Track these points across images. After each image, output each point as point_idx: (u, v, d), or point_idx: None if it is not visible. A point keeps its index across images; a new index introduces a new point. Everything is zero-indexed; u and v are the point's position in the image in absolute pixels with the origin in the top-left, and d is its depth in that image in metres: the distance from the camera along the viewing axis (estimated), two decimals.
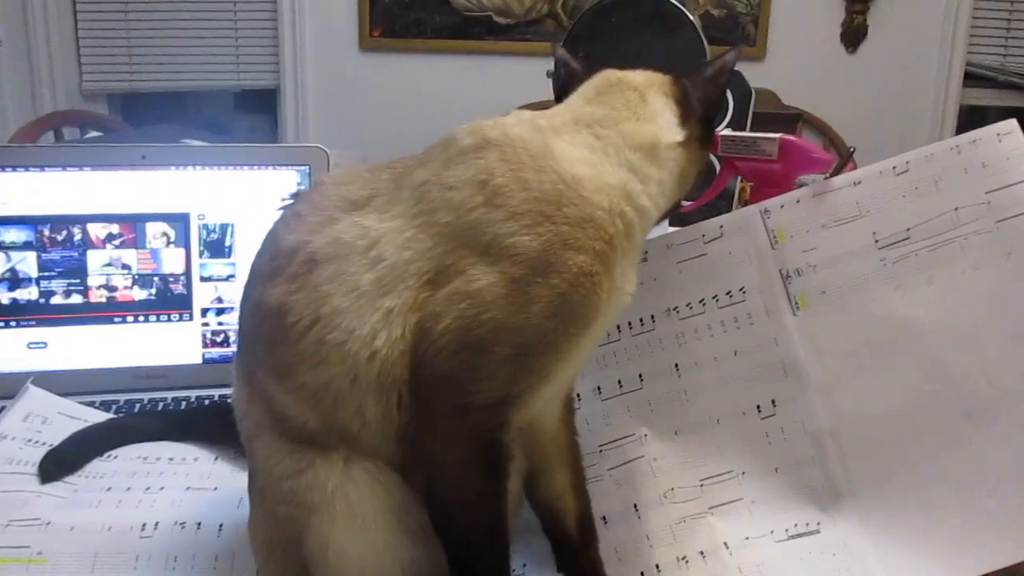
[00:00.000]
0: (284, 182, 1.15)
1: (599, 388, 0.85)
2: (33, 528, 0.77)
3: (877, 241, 0.82)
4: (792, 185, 0.87)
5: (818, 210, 0.83)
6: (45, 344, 1.11)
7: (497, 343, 0.58)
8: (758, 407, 0.82)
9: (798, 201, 0.84)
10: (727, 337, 0.83)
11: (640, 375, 0.85)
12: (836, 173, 0.85)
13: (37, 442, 0.90)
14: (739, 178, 1.36)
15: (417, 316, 0.59)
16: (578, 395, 0.83)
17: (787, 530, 0.78)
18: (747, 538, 0.78)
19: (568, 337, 0.60)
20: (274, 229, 0.67)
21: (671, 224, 1.04)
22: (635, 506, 0.80)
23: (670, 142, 0.68)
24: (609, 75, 0.71)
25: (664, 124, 0.68)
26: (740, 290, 0.84)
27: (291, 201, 0.69)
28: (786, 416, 0.81)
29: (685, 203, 0.92)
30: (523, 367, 0.59)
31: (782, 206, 0.84)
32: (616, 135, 0.65)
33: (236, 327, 0.69)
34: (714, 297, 0.84)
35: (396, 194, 0.63)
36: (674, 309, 0.85)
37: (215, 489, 0.85)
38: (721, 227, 0.85)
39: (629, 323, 0.85)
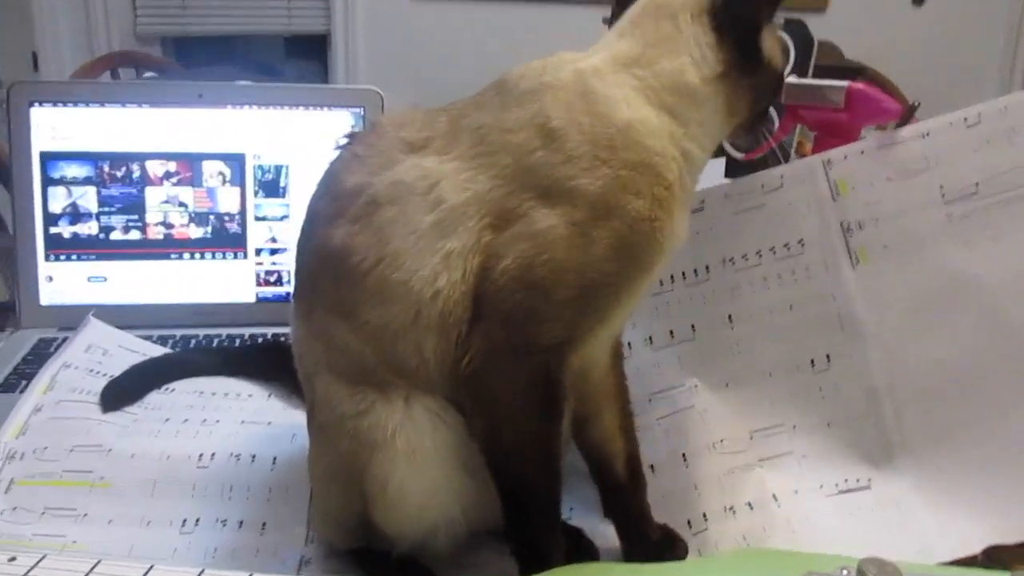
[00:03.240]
0: (338, 124, 1.15)
1: (651, 338, 0.85)
2: (96, 454, 0.80)
3: (944, 195, 0.80)
4: (857, 136, 0.85)
5: (883, 162, 0.81)
6: (105, 279, 1.13)
7: (559, 284, 0.58)
8: (812, 361, 0.81)
9: (862, 152, 0.82)
10: (783, 290, 0.82)
11: (693, 326, 0.84)
12: (902, 125, 0.82)
13: (98, 372, 0.92)
14: (795, 133, 1.33)
15: (480, 258, 0.60)
16: (629, 344, 0.83)
17: (837, 485, 0.78)
18: (796, 491, 0.77)
19: (629, 280, 0.60)
20: (333, 170, 0.68)
21: (727, 175, 1.02)
22: (683, 455, 0.80)
23: (707, 76, 0.64)
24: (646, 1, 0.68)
25: (699, 57, 0.64)
26: (798, 242, 0.82)
27: (348, 142, 0.69)
28: (840, 371, 0.80)
29: (741, 154, 0.90)
30: (584, 309, 0.59)
31: (845, 157, 0.82)
32: (652, 77, 0.63)
33: (292, 267, 0.70)
34: (771, 249, 0.83)
35: (454, 137, 0.63)
36: (730, 260, 0.84)
37: (269, 424, 0.87)
38: (781, 177, 0.83)
39: (683, 273, 0.84)
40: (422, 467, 0.62)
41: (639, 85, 0.63)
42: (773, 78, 0.70)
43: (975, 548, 0.73)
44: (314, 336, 0.66)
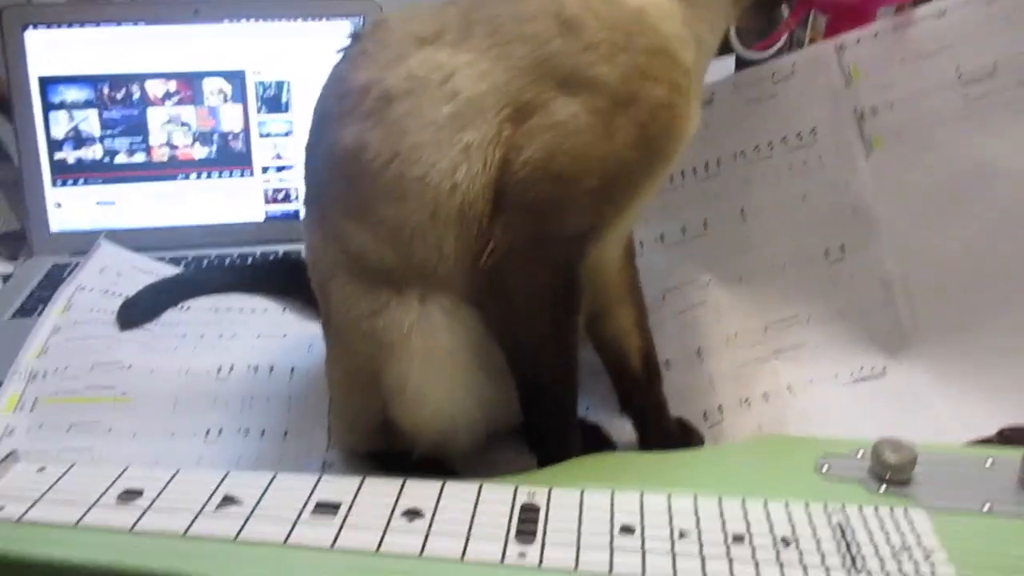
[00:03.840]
0: (338, 34, 1.12)
1: (662, 236, 0.84)
2: (116, 370, 0.81)
3: (961, 77, 0.77)
4: (872, 18, 0.82)
5: (897, 44, 0.79)
6: (113, 202, 1.13)
7: (580, 174, 0.58)
8: (826, 252, 0.80)
9: (876, 35, 0.79)
10: (796, 181, 0.81)
11: (705, 221, 0.83)
12: (918, 4, 0.79)
13: (113, 293, 0.93)
14: (808, 27, 1.29)
15: (500, 151, 0.59)
16: (641, 243, 0.82)
17: (852, 374, 0.78)
18: (811, 381, 0.78)
19: (649, 168, 0.60)
20: (339, 70, 0.66)
21: (737, 69, 0.99)
22: (698, 350, 0.80)
23: None
24: None
25: None
26: (811, 132, 0.81)
27: (353, 41, 0.68)
28: (855, 261, 0.80)
29: (749, 52, 0.87)
30: (606, 198, 0.59)
31: (858, 41, 0.80)
32: None
33: (304, 173, 0.69)
34: (783, 140, 0.81)
35: (467, 29, 0.62)
36: (741, 153, 0.82)
37: (284, 336, 0.88)
38: (792, 65, 0.81)
39: (694, 169, 0.83)
40: (439, 365, 0.62)
41: None
42: None
43: (989, 431, 0.73)
44: (328, 240, 0.66)
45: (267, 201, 1.15)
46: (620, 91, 0.57)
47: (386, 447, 0.69)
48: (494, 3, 0.62)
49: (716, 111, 0.81)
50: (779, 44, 0.96)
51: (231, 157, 1.14)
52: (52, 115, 1.11)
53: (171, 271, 1.02)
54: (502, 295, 0.61)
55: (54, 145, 1.12)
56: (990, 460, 0.58)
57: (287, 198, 1.16)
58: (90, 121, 1.11)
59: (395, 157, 0.60)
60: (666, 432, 0.71)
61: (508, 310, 0.62)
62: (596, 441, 0.72)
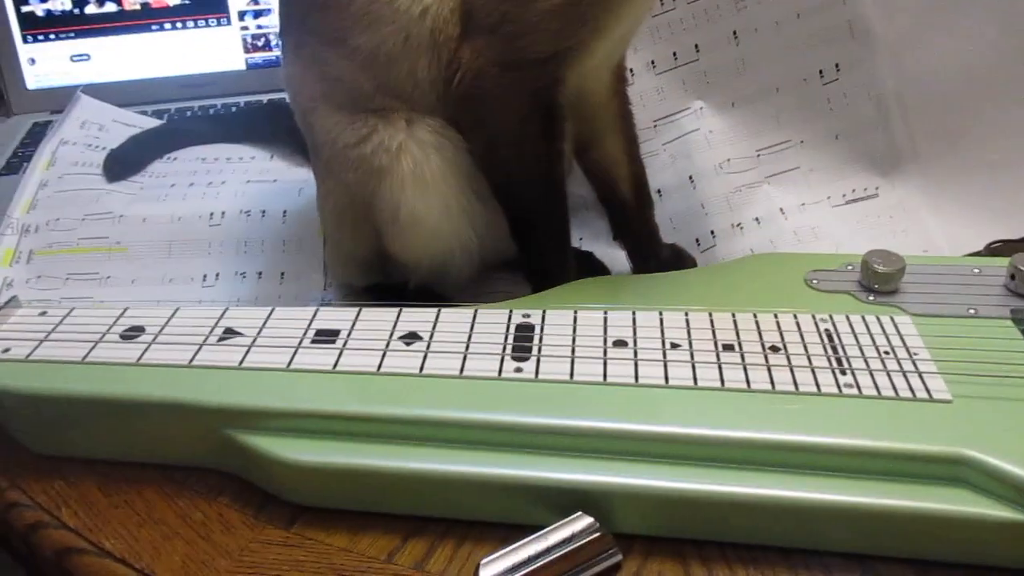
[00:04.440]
0: None
1: (653, 62, 0.82)
2: (107, 221, 0.80)
3: None
4: None
5: None
6: (88, 56, 1.10)
7: None
8: (820, 72, 0.79)
9: None
10: None
11: (696, 46, 0.81)
12: None
13: (97, 147, 0.91)
14: None
15: None
16: (631, 70, 0.80)
17: (844, 195, 0.78)
18: (803, 204, 0.78)
19: None
20: None
21: None
22: (690, 177, 0.79)
23: None
24: None
25: None
26: None
27: None
28: (850, 80, 0.78)
29: None
30: (571, 17, 0.57)
31: None
32: None
33: (279, 3, 0.67)
34: None
35: None
36: None
37: (274, 181, 0.87)
38: None
39: None
40: (431, 187, 0.61)
41: None
42: None
43: (978, 246, 0.74)
44: (307, 69, 0.64)
45: (247, 50, 1.12)
46: None
47: (382, 280, 0.70)
48: None
49: None
50: None
51: (206, 4, 1.10)
52: None
53: (154, 123, 1.00)
54: (478, 124, 0.61)
55: None
56: (977, 269, 0.59)
57: (267, 45, 1.12)
58: None
59: None
60: (658, 258, 0.72)
61: (486, 139, 0.61)
62: (590, 268, 0.72)
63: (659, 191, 0.78)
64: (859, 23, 0.77)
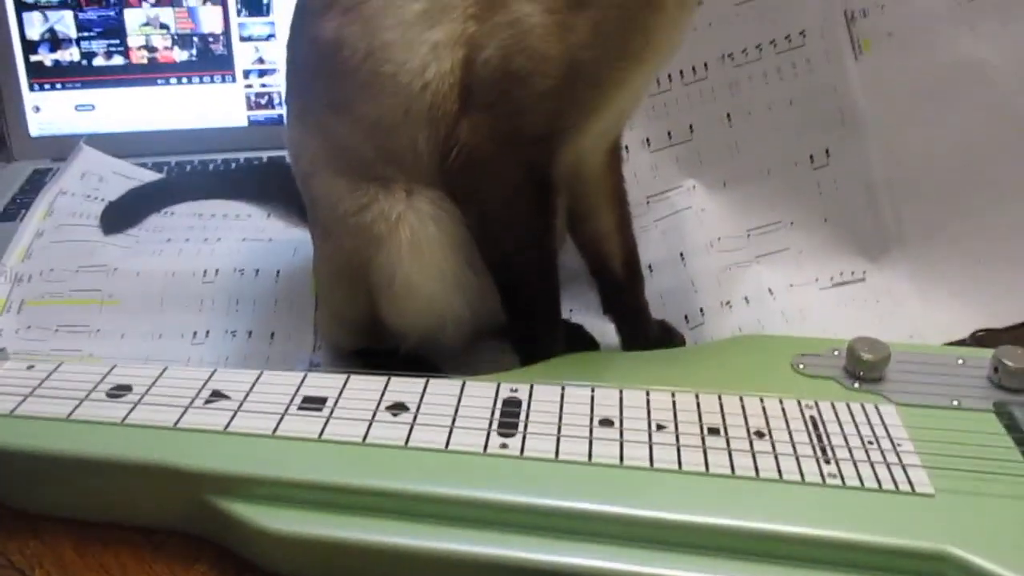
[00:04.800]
0: None
1: (648, 140, 0.84)
2: (101, 273, 0.81)
3: None
4: None
5: None
6: (92, 106, 1.11)
7: (536, 73, 0.57)
8: (811, 157, 0.80)
9: None
10: (783, 84, 0.80)
11: (691, 126, 0.83)
12: None
13: (96, 198, 0.92)
14: None
15: (464, 50, 0.58)
16: (626, 147, 0.82)
17: (832, 278, 0.79)
18: (792, 285, 0.79)
19: (611, 71, 0.58)
20: None
21: None
22: (681, 254, 0.80)
23: None
24: None
25: None
26: (800, 33, 0.80)
27: None
28: (840, 165, 0.80)
29: None
30: (566, 99, 0.58)
31: None
32: None
33: (285, 67, 0.68)
34: (772, 42, 0.80)
35: None
36: (729, 56, 0.81)
37: (270, 240, 0.88)
38: None
39: (681, 72, 0.82)
40: (427, 257, 0.62)
41: None
42: None
43: (963, 333, 0.75)
44: (310, 134, 0.66)
45: (250, 107, 1.14)
46: None
47: (373, 345, 0.70)
48: None
49: (704, 13, 0.80)
50: None
51: (212, 61, 1.12)
52: (25, 16, 1.08)
53: (153, 176, 1.01)
54: (473, 197, 0.62)
55: (29, 47, 1.09)
56: (961, 359, 0.60)
57: (270, 103, 1.14)
58: (66, 22, 1.08)
59: (370, 54, 0.60)
60: (647, 334, 0.72)
61: (480, 212, 0.62)
62: (579, 341, 0.73)
63: (650, 266, 0.79)
64: (850, 111, 0.79)
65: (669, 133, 0.83)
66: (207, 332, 0.76)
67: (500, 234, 0.63)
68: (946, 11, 0.76)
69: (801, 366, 0.59)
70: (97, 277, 0.80)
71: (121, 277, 0.80)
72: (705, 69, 0.82)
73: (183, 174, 1.05)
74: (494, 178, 0.61)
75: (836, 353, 0.60)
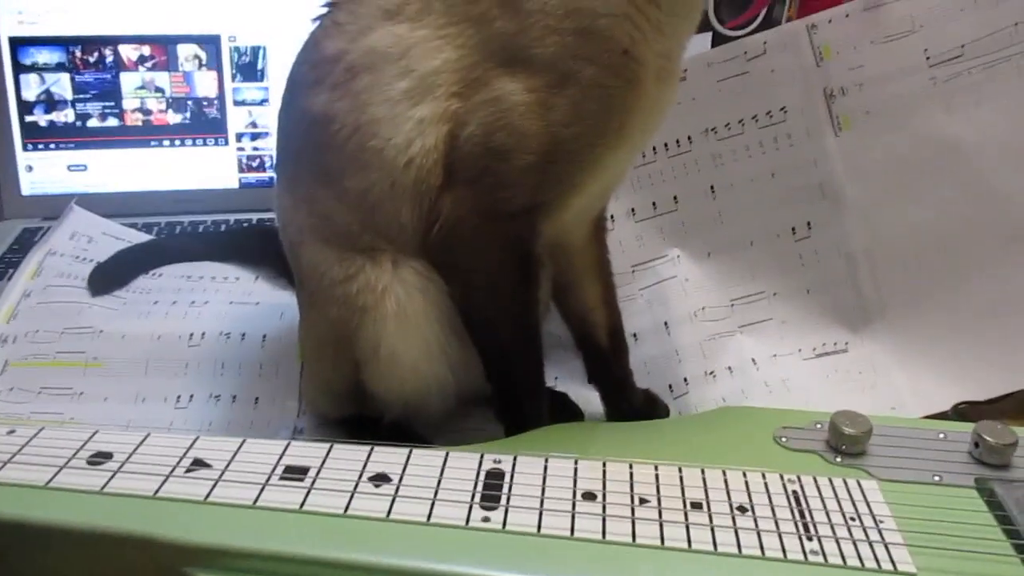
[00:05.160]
0: (313, 2, 1.12)
1: (633, 210, 0.85)
2: (87, 335, 0.81)
3: (928, 58, 0.79)
4: None
5: (868, 25, 0.80)
6: (85, 167, 1.12)
7: (517, 149, 0.58)
8: (793, 229, 0.82)
9: (847, 15, 0.81)
10: (765, 158, 0.82)
11: (675, 196, 0.84)
12: None
13: (84, 259, 0.93)
14: (787, 3, 1.30)
15: (448, 126, 0.60)
16: (612, 216, 0.83)
17: (815, 348, 0.80)
18: (775, 355, 0.79)
19: (592, 148, 0.60)
20: (313, 38, 0.67)
21: (713, 44, 1.00)
22: (665, 324, 0.81)
23: None
24: None
25: None
26: (781, 110, 0.82)
27: (328, 10, 0.68)
28: (821, 238, 0.81)
29: (725, 25, 0.88)
30: (547, 175, 0.59)
31: (830, 21, 0.81)
32: None
33: (277, 137, 0.70)
34: (754, 117, 0.82)
35: (427, 5, 0.62)
36: (712, 129, 0.83)
37: (257, 304, 0.88)
38: (765, 43, 0.82)
39: (665, 144, 0.84)
40: (412, 328, 0.63)
41: None
42: None
43: (945, 406, 0.75)
44: (299, 205, 0.67)
45: (241, 169, 1.15)
46: (554, 70, 0.58)
47: (357, 412, 0.70)
48: None
49: (689, 87, 0.82)
50: (756, 21, 0.97)
51: (205, 124, 1.14)
52: (23, 78, 1.10)
53: (143, 238, 1.01)
54: (456, 270, 0.63)
55: (25, 107, 1.10)
56: (942, 434, 0.60)
57: (261, 166, 1.15)
58: (62, 84, 1.10)
59: (357, 129, 0.61)
60: (631, 404, 0.72)
61: (464, 285, 0.63)
62: (563, 410, 0.73)
63: (635, 335, 0.79)
64: (830, 185, 0.81)
65: (654, 203, 0.84)
66: (191, 396, 0.76)
67: (483, 306, 0.63)
68: (922, 91, 0.79)
69: (784, 439, 0.59)
70: (82, 339, 0.80)
71: (106, 339, 0.80)
72: (689, 142, 0.83)
73: (172, 236, 1.06)
74: (476, 251, 0.62)
75: (819, 426, 0.60)
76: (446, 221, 0.61)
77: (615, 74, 0.58)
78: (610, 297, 0.73)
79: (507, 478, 0.54)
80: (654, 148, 0.84)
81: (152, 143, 1.13)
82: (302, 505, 0.51)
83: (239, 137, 1.15)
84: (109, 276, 0.90)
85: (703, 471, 0.55)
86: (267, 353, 0.80)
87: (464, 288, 0.63)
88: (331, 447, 0.57)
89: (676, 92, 0.65)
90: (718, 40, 1.11)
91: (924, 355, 0.78)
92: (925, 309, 0.80)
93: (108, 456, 0.55)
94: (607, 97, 0.58)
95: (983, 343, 0.78)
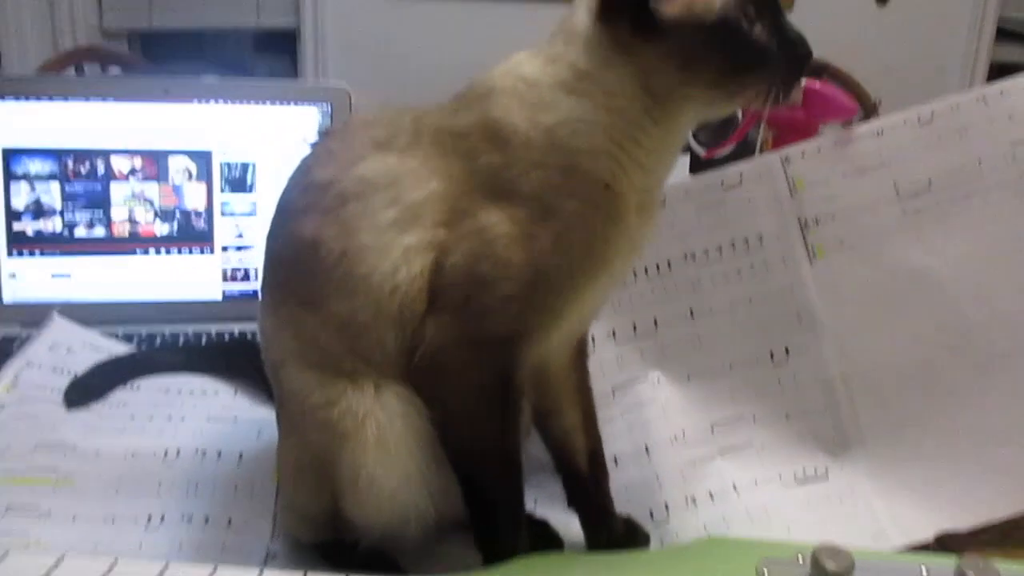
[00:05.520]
0: (305, 120, 1.15)
1: (614, 332, 0.86)
2: (60, 451, 0.79)
3: (898, 192, 0.82)
4: (815, 133, 0.87)
5: (839, 159, 0.83)
6: (69, 275, 1.12)
7: (502, 279, 0.60)
8: (771, 354, 0.83)
9: (819, 150, 0.84)
10: (743, 284, 0.84)
11: (655, 320, 0.85)
12: (861, 122, 0.84)
13: (63, 370, 0.92)
14: (761, 129, 1.35)
15: (433, 254, 0.61)
16: (593, 338, 0.84)
17: (795, 475, 0.80)
18: (756, 482, 0.79)
19: (573, 279, 0.61)
20: (306, 164, 0.69)
21: (691, 171, 1.04)
22: (646, 447, 0.81)
23: (586, 68, 0.60)
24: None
25: (589, 36, 0.59)
26: (758, 238, 0.84)
27: (322, 138, 0.71)
28: (799, 364, 0.82)
29: (704, 151, 0.91)
30: (529, 305, 0.61)
31: (803, 154, 0.84)
32: (566, 69, 0.61)
33: (262, 258, 0.71)
34: (731, 244, 0.85)
35: (416, 136, 0.65)
36: (691, 255, 0.85)
37: (235, 420, 0.87)
38: (741, 174, 0.85)
39: (645, 269, 0.86)
40: (393, 455, 0.63)
41: (561, 80, 0.61)
42: (693, 40, 0.57)
43: (927, 535, 0.75)
44: (282, 326, 0.67)
45: (226, 279, 1.16)
46: (536, 204, 0.60)
47: (333, 538, 0.69)
48: (440, 114, 0.65)
49: (668, 214, 0.84)
50: (731, 147, 1.01)
51: (192, 234, 1.15)
52: (13, 186, 1.11)
53: (123, 349, 1.01)
54: (437, 395, 0.63)
55: (13, 215, 1.11)
56: (924, 568, 0.60)
57: (246, 277, 1.16)
58: (52, 193, 1.11)
59: (345, 255, 0.62)
60: (611, 530, 0.72)
61: (443, 411, 0.63)
62: (543, 538, 0.72)
63: (615, 459, 0.79)
64: (807, 312, 0.82)
65: (635, 326, 0.85)
66: (162, 517, 0.74)
67: (463, 432, 0.63)
68: (893, 222, 0.82)
69: (766, 572, 0.58)
70: (55, 455, 0.79)
71: (79, 456, 0.79)
72: (669, 267, 0.85)
73: (152, 348, 1.05)
74: (458, 378, 0.62)
75: (800, 560, 0.59)
76: (428, 347, 0.61)
77: (596, 208, 0.60)
78: (590, 422, 0.73)
79: None
80: (635, 272, 0.85)
81: (138, 252, 1.14)
82: None
83: (225, 248, 1.16)
84: (86, 389, 0.89)
85: None
86: (243, 472, 0.79)
87: (444, 414, 0.63)
88: (305, 575, 0.55)
89: (656, 223, 0.67)
90: (696, 163, 1.15)
91: (904, 483, 0.78)
92: (904, 436, 0.80)
93: None
94: (589, 230, 0.60)
95: (962, 471, 0.78)
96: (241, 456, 0.81)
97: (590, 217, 0.60)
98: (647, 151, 0.62)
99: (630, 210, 0.62)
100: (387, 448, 0.62)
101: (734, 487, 0.79)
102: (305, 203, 0.66)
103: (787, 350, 0.83)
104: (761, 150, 1.48)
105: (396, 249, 0.61)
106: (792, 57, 0.59)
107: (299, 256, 0.65)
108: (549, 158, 0.60)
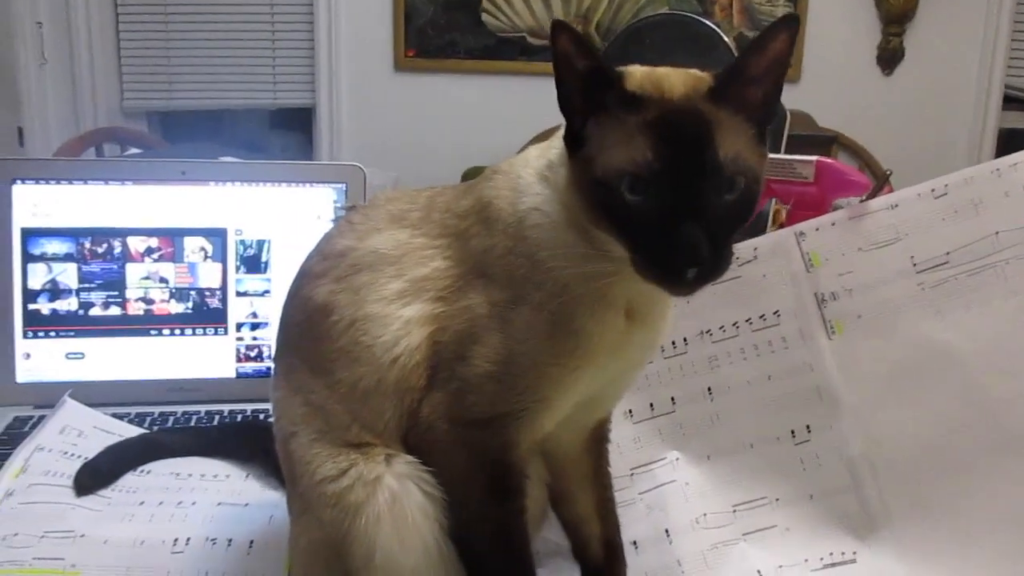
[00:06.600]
0: (320, 200, 1.16)
1: (630, 411, 0.85)
2: (67, 541, 0.78)
3: (915, 265, 0.81)
4: (828, 208, 0.86)
5: (854, 233, 0.83)
6: (83, 355, 1.12)
7: (478, 358, 0.60)
8: (792, 432, 0.81)
9: (833, 224, 0.83)
10: (761, 361, 0.83)
11: (672, 398, 0.84)
12: (873, 196, 0.84)
13: (73, 455, 0.91)
14: (773, 201, 1.35)
15: (431, 328, 0.62)
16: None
17: (822, 559, 0.77)
18: (781, 566, 0.77)
19: (546, 365, 0.61)
20: (329, 234, 0.71)
21: None
22: (666, 531, 0.79)
23: (555, 160, 0.62)
24: None
25: (562, 135, 0.61)
26: (774, 313, 0.83)
27: (347, 212, 0.73)
28: (821, 442, 0.80)
29: None
30: (505, 385, 0.60)
31: (817, 229, 0.84)
32: (545, 159, 0.63)
33: (279, 323, 0.72)
34: (748, 320, 0.84)
35: (427, 214, 0.67)
36: (707, 332, 0.84)
37: (246, 505, 0.85)
38: (755, 249, 0.84)
39: (662, 346, 0.85)
40: (410, 527, 0.61)
41: (540, 168, 0.63)
42: (582, 178, 0.58)
43: None
44: (293, 394, 0.67)
45: (239, 359, 1.15)
46: (511, 288, 0.61)
47: None
48: (449, 194, 0.67)
49: None
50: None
51: (206, 314, 1.15)
52: (31, 267, 1.12)
53: (134, 431, 1.00)
54: (433, 473, 0.63)
55: (29, 296, 1.12)
56: None
57: (260, 356, 1.15)
58: (68, 274, 1.12)
59: (353, 323, 0.63)
60: None
61: (441, 488, 0.63)
62: None
63: (635, 543, 0.77)
64: (827, 389, 0.81)
65: (651, 405, 0.84)
66: None
67: (458, 512, 0.63)
68: (911, 296, 0.80)
69: None
70: (62, 545, 0.77)
71: (87, 545, 0.77)
72: (685, 344, 0.84)
73: (163, 430, 1.04)
74: (446, 459, 0.62)
75: None
76: (420, 424, 0.62)
77: (564, 304, 0.60)
78: (606, 510, 0.71)
79: None
80: None
81: (152, 332, 1.14)
82: None
83: (239, 327, 1.16)
84: (96, 474, 0.88)
85: None
86: (252, 562, 0.77)
87: (442, 491, 0.63)
88: None
89: (660, 335, 0.66)
90: None
91: (934, 564, 0.76)
92: (931, 516, 0.78)
93: None
94: (554, 322, 0.60)
95: (991, 550, 0.75)
96: (252, 544, 0.79)
97: (557, 311, 0.60)
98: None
99: (610, 310, 0.61)
100: (403, 520, 0.61)
101: (759, 572, 0.76)
102: (322, 269, 0.67)
103: (808, 428, 0.81)
104: (774, 221, 1.48)
105: (398, 321, 0.62)
106: (665, 259, 0.55)
107: (312, 320, 0.66)
108: (520, 247, 0.61)
